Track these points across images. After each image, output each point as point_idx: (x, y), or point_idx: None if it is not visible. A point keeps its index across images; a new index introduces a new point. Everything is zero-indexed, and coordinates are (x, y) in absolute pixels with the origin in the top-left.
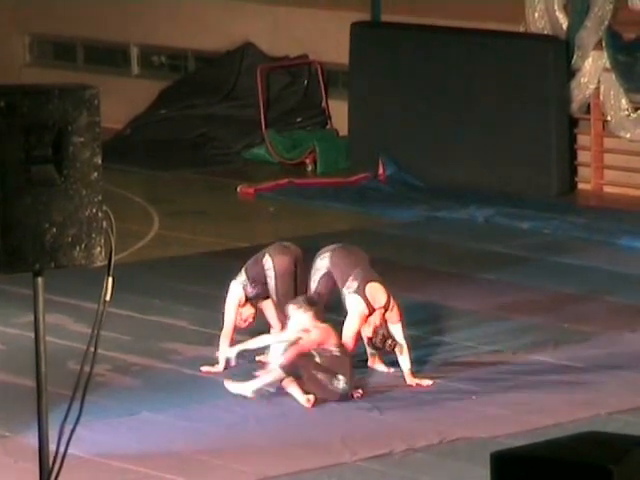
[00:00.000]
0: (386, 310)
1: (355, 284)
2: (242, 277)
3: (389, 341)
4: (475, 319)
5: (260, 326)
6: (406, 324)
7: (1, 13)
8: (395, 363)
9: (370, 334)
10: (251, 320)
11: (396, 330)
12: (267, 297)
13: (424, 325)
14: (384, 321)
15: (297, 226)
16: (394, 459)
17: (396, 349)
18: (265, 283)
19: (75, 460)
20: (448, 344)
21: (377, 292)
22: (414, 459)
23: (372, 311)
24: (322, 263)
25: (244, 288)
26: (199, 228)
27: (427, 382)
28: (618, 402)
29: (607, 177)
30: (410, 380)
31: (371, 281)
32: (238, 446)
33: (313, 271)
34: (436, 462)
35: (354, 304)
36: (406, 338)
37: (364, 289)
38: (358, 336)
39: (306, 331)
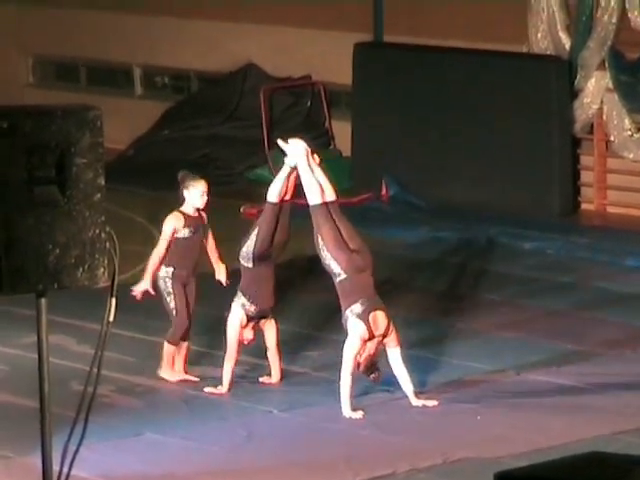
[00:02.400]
0: (384, 337)
1: (361, 309)
2: (242, 298)
3: (375, 373)
4: (478, 339)
5: (260, 340)
6: (409, 344)
7: (4, 34)
8: (397, 384)
9: (361, 360)
10: (246, 343)
11: (395, 354)
12: (267, 317)
13: (427, 345)
14: (378, 350)
15: (300, 246)
16: None
17: (395, 373)
18: None
19: None
20: (451, 364)
21: (379, 319)
22: (418, 479)
23: (371, 337)
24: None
25: (244, 308)
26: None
27: (432, 403)
28: (620, 422)
29: (610, 197)
30: (415, 401)
31: (376, 309)
32: (242, 467)
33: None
34: None
35: (355, 327)
36: (405, 361)
37: (368, 315)
38: (359, 357)
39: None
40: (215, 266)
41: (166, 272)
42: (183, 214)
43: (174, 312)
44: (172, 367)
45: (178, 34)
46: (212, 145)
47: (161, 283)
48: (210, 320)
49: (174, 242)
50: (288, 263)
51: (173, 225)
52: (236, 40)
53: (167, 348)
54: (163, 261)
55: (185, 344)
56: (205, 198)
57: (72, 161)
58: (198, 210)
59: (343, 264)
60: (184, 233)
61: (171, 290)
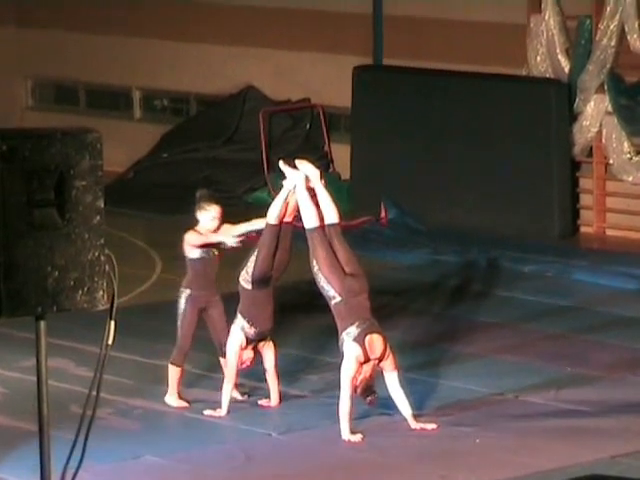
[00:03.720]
0: (381, 360)
1: (357, 332)
2: (241, 321)
3: (371, 396)
4: (477, 362)
5: (258, 363)
6: (407, 367)
7: (3, 56)
8: (396, 407)
9: (357, 382)
10: (248, 364)
11: (392, 378)
12: (266, 339)
13: (426, 368)
14: (374, 373)
15: (299, 269)
16: None
17: (393, 396)
18: None
19: None
20: (450, 387)
21: (375, 343)
22: None
23: (367, 360)
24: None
25: (244, 331)
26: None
27: (431, 426)
28: (621, 446)
29: (609, 220)
30: (414, 424)
31: (372, 332)
32: None
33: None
34: None
35: (351, 349)
36: (402, 385)
37: (364, 338)
38: (355, 380)
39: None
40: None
41: (184, 292)
42: (196, 232)
43: (179, 332)
44: (177, 393)
45: (177, 57)
46: (211, 168)
47: (179, 302)
48: (209, 342)
49: (188, 264)
50: (288, 285)
51: (192, 236)
52: (235, 63)
53: (171, 370)
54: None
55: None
56: (216, 223)
57: (71, 184)
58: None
59: (337, 287)
60: (197, 254)
61: (182, 311)
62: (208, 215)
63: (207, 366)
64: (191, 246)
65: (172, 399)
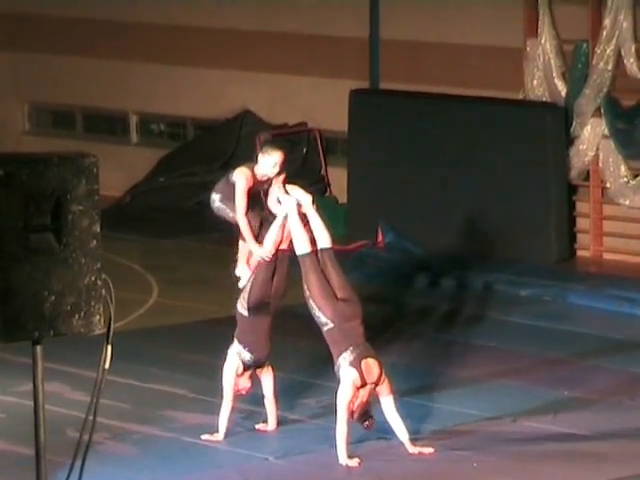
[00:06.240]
0: (377, 385)
1: (352, 357)
2: (237, 346)
3: (368, 421)
4: (474, 386)
5: (256, 387)
6: (403, 391)
7: (0, 81)
8: (393, 431)
9: (354, 407)
10: (244, 393)
11: (388, 403)
12: (263, 365)
13: (423, 392)
14: (370, 398)
15: (296, 294)
16: None
17: (389, 421)
18: None
19: None
20: (447, 411)
21: (371, 367)
22: None
23: (364, 384)
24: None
25: (240, 357)
26: (198, 296)
27: (429, 450)
28: (619, 470)
29: (606, 244)
30: (411, 449)
31: (367, 357)
32: None
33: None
34: None
35: (348, 374)
36: (398, 409)
37: (360, 362)
38: (352, 405)
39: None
40: None
41: (216, 198)
42: (252, 171)
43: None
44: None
45: (174, 81)
46: (208, 192)
47: (215, 207)
48: (207, 368)
49: (225, 181)
50: (285, 310)
51: (243, 176)
52: (232, 87)
53: (241, 245)
54: (249, 213)
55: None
56: (276, 170)
57: (68, 208)
58: (268, 179)
59: (329, 313)
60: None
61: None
62: (270, 160)
63: (204, 390)
64: (236, 183)
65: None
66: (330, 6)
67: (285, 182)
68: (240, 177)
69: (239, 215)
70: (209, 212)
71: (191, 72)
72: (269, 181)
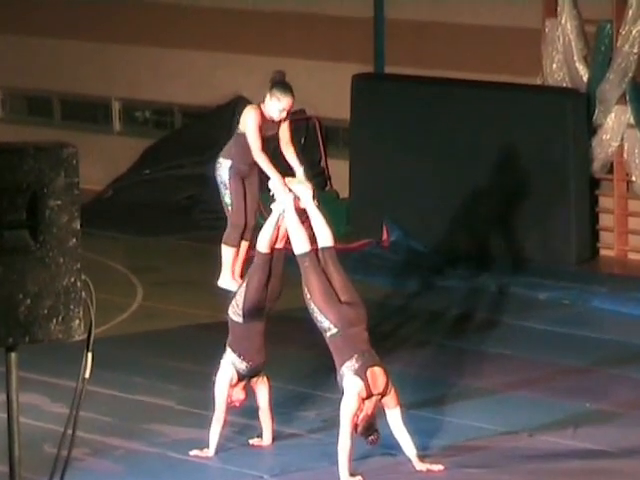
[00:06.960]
0: (383, 396)
1: (357, 365)
2: (231, 355)
3: (373, 435)
4: (487, 397)
5: (250, 400)
6: (410, 403)
7: None
8: (399, 447)
9: (358, 420)
10: (237, 405)
11: (394, 415)
12: (258, 375)
13: (432, 404)
14: (375, 410)
15: (293, 296)
16: None
17: (396, 435)
18: None
19: None
20: (458, 425)
21: (377, 377)
22: None
23: (369, 395)
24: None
25: (235, 366)
26: (186, 299)
27: (438, 467)
28: None
29: (631, 243)
30: (419, 465)
31: (373, 366)
32: None
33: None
34: None
35: (353, 384)
36: (405, 423)
37: (365, 371)
38: (356, 418)
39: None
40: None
41: (225, 163)
42: (260, 110)
43: (229, 208)
44: (232, 274)
45: (160, 65)
46: (198, 186)
47: (219, 174)
48: (196, 377)
49: (235, 138)
50: (281, 315)
51: (254, 112)
52: (223, 71)
53: (224, 251)
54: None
55: (245, 244)
56: (283, 115)
57: (45, 203)
58: (274, 121)
59: (332, 318)
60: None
61: (227, 183)
62: (278, 105)
63: (193, 401)
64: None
65: (226, 281)
66: None
67: (296, 153)
68: (250, 114)
69: (255, 152)
70: (198, 208)
71: (179, 55)
72: (276, 126)
